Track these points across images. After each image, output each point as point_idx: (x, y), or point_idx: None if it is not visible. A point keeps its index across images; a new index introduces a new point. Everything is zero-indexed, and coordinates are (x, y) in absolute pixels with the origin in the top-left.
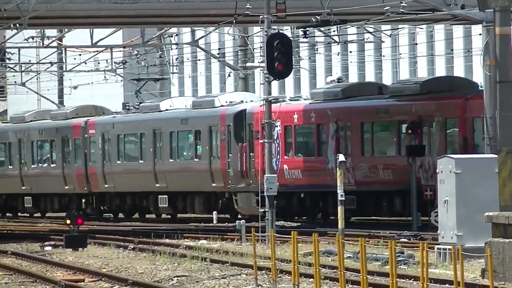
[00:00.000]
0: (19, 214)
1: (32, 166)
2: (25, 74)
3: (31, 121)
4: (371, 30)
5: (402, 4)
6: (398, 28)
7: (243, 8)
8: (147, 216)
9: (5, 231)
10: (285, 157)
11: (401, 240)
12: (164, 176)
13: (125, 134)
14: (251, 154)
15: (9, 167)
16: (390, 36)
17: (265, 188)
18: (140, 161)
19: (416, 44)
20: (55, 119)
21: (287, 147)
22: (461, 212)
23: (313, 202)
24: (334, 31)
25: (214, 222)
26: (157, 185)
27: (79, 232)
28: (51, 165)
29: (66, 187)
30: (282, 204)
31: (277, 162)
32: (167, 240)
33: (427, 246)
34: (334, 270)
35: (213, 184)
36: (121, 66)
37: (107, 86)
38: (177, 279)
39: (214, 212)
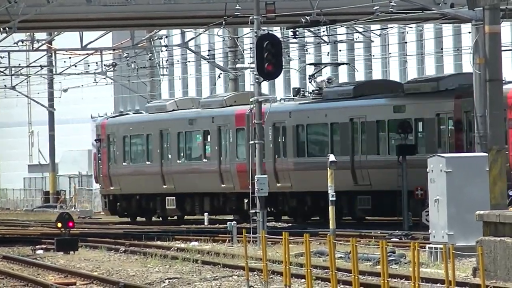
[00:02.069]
0: (155, 217)
1: (178, 161)
2: (15, 77)
3: (173, 110)
4: (360, 30)
5: (391, 4)
6: (387, 28)
7: (232, 10)
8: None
9: None
10: None
11: (392, 239)
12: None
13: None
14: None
15: (147, 163)
16: (379, 36)
17: (256, 189)
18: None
19: (406, 43)
20: (208, 107)
21: None
22: (452, 211)
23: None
24: (323, 31)
25: (205, 223)
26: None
27: (70, 235)
28: (203, 160)
29: (222, 185)
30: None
31: None
32: (159, 242)
33: (418, 246)
34: (326, 270)
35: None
36: (111, 69)
37: (97, 89)
38: (169, 281)
39: (205, 214)
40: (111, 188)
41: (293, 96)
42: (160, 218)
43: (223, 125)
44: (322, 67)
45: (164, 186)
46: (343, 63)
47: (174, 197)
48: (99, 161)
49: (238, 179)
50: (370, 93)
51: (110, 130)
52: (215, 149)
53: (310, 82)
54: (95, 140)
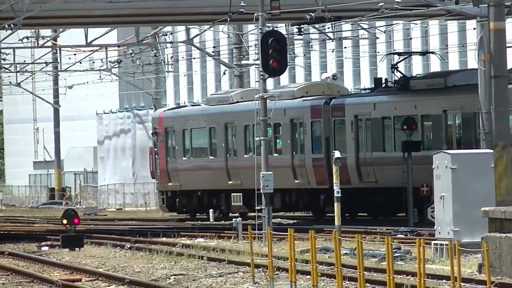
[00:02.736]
0: (216, 214)
1: (245, 156)
2: (20, 74)
3: (237, 102)
4: (365, 26)
5: (396, 0)
6: (392, 24)
7: (237, 6)
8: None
9: (1, 232)
10: None
11: (397, 236)
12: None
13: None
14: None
15: (210, 157)
16: (384, 32)
17: (261, 186)
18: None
19: (411, 39)
20: (278, 98)
21: None
22: (458, 208)
23: None
24: (328, 27)
25: (211, 220)
26: (230, 182)
27: (76, 232)
28: (274, 155)
29: (296, 181)
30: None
31: None
32: (164, 239)
33: (423, 242)
34: (331, 266)
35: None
36: (116, 65)
37: (103, 86)
38: (174, 278)
39: (211, 210)
40: (170, 184)
41: (374, 87)
42: (221, 214)
43: (296, 117)
44: (407, 56)
45: (230, 182)
46: (429, 52)
47: (240, 194)
48: (156, 156)
49: (313, 174)
50: (463, 83)
51: (168, 123)
52: (287, 143)
53: (392, 72)
54: (151, 133)
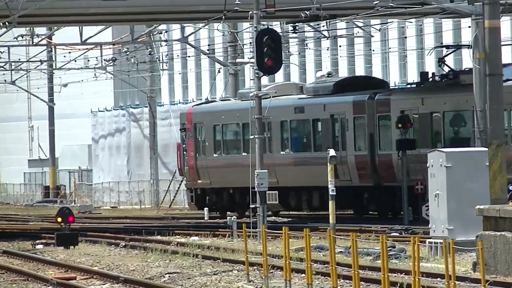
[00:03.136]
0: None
1: (281, 152)
2: (15, 72)
3: (272, 97)
4: (360, 24)
5: None
6: (387, 22)
7: (232, 4)
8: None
9: None
10: None
11: (392, 234)
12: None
13: None
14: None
15: (243, 154)
16: (379, 31)
17: (256, 184)
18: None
19: (406, 38)
20: (317, 93)
21: None
22: (452, 206)
23: None
24: (323, 26)
25: (205, 218)
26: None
27: (70, 230)
28: (312, 152)
29: (336, 179)
30: None
31: None
32: (159, 237)
33: (418, 240)
34: (326, 265)
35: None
36: (111, 64)
37: (97, 84)
38: (169, 276)
39: (206, 209)
40: (199, 181)
41: (421, 81)
42: (252, 213)
43: (337, 113)
44: (455, 49)
45: None
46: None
47: (276, 191)
48: (184, 152)
49: (356, 171)
50: None
51: (198, 119)
52: (327, 139)
53: (440, 66)
54: (179, 129)
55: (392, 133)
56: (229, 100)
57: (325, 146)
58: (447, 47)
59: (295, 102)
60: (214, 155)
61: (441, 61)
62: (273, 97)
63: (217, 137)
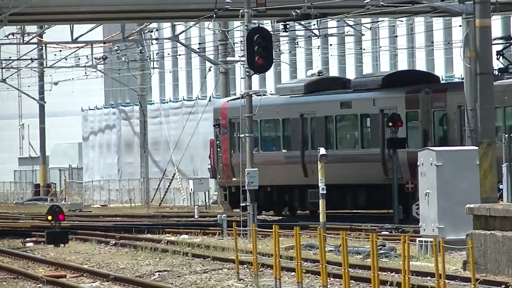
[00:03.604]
0: (285, 211)
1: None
2: (6, 70)
3: (314, 91)
4: (351, 23)
5: None
6: (378, 21)
7: (223, 3)
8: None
9: None
10: None
11: (382, 233)
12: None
13: None
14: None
15: (283, 151)
16: (370, 29)
17: (246, 182)
18: None
19: (396, 36)
20: (364, 87)
21: None
22: (442, 205)
23: None
24: (314, 24)
25: (196, 216)
26: (307, 177)
27: (61, 228)
28: (359, 148)
29: (386, 177)
30: None
31: None
32: (149, 235)
33: (408, 239)
34: (316, 263)
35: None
36: (102, 62)
37: (88, 82)
38: (159, 274)
39: (196, 207)
40: (234, 179)
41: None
42: (288, 212)
43: (387, 108)
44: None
45: (306, 177)
46: None
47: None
48: (218, 149)
49: (408, 169)
50: None
51: (233, 114)
52: (377, 135)
53: (497, 59)
54: (213, 125)
55: (449, 129)
56: (265, 95)
57: (375, 142)
58: (508, 38)
59: (340, 96)
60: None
61: (499, 54)
62: (314, 91)
63: (255, 133)
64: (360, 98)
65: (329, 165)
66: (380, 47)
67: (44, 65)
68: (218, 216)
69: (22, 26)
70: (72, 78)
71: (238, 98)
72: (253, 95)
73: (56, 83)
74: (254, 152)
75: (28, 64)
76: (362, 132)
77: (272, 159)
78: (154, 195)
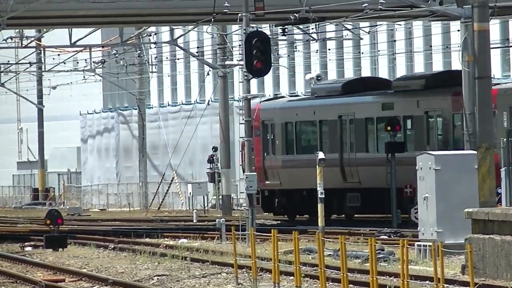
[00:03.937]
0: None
1: (366, 152)
2: (4, 74)
3: (352, 92)
4: (349, 27)
5: (380, 1)
6: (376, 25)
7: (221, 7)
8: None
9: None
10: None
11: (381, 237)
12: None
13: None
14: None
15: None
16: (368, 33)
17: (245, 187)
18: None
19: (395, 41)
20: (407, 88)
21: None
22: (441, 209)
23: None
24: (312, 28)
25: (194, 221)
26: (345, 181)
27: (59, 232)
28: (402, 152)
29: None
30: None
31: None
32: (147, 240)
33: (407, 243)
34: (315, 268)
35: None
36: (100, 66)
37: (86, 86)
38: (158, 278)
39: (194, 211)
40: (267, 182)
41: None
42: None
43: (432, 109)
44: None
45: (345, 181)
46: None
47: (358, 193)
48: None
49: None
50: None
51: (267, 116)
52: (421, 138)
53: None
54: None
55: (499, 131)
56: (300, 96)
57: (418, 145)
58: None
59: (381, 98)
60: (286, 154)
61: None
62: (352, 93)
63: (289, 136)
64: (404, 99)
65: (370, 168)
66: (379, 51)
67: (43, 69)
68: (217, 220)
69: (21, 30)
70: (71, 82)
71: (272, 99)
72: (286, 96)
73: (54, 87)
74: (288, 155)
75: (27, 68)
76: (404, 134)
77: (308, 163)
78: (153, 199)
